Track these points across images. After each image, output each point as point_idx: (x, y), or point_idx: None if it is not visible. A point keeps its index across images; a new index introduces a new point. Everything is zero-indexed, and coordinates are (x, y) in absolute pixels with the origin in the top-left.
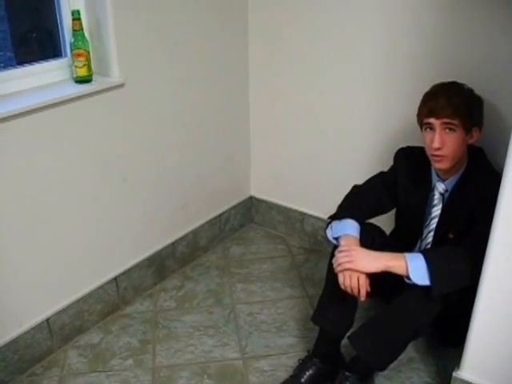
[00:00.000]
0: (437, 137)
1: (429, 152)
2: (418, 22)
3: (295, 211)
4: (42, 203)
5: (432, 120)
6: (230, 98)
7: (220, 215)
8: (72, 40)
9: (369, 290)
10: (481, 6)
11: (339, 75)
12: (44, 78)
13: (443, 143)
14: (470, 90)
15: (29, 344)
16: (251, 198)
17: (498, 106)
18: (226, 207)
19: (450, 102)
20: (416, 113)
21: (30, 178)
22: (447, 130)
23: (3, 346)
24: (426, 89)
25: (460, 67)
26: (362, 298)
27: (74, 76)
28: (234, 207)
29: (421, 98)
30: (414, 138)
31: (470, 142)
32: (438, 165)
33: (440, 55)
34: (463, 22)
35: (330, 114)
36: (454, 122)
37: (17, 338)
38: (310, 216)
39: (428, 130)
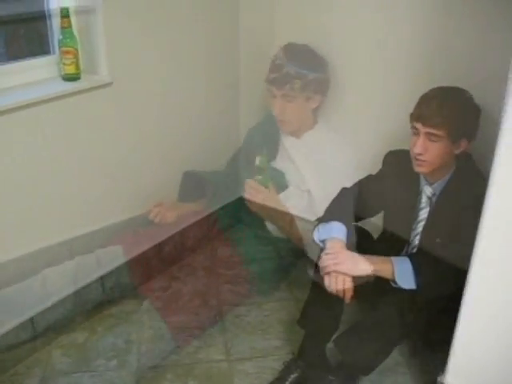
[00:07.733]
0: (419, 143)
1: (411, 154)
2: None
3: (284, 213)
4: (25, 201)
5: (418, 126)
6: (220, 97)
7: (208, 216)
8: (60, 37)
9: (352, 293)
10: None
11: None
12: (32, 74)
13: (425, 150)
14: (469, 99)
15: (12, 343)
16: (240, 198)
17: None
18: (214, 207)
19: (439, 111)
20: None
21: (13, 174)
22: (431, 138)
23: None
24: (423, 92)
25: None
26: (347, 300)
27: (62, 73)
28: (222, 208)
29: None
30: (405, 141)
31: (456, 151)
32: (417, 168)
33: (439, 57)
34: (463, 24)
35: None
36: (438, 132)
37: (0, 337)
38: (300, 218)
39: (414, 133)
